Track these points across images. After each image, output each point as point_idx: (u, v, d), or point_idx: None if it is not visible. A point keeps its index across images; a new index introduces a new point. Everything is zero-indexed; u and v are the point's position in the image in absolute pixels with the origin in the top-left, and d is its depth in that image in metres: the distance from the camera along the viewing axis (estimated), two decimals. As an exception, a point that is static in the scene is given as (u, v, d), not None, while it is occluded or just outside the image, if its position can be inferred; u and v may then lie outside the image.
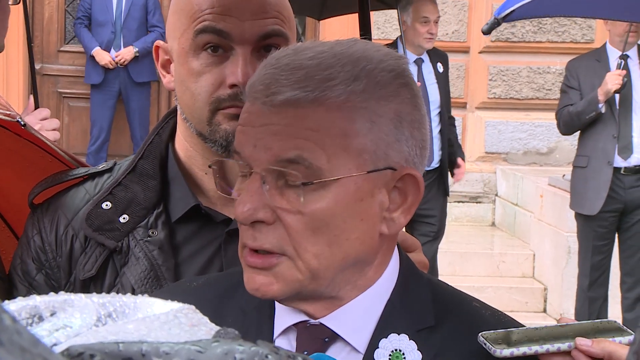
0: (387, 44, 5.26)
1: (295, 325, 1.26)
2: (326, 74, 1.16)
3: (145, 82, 8.58)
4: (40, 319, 0.54)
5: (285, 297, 1.21)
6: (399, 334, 1.23)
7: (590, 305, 5.89)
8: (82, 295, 0.56)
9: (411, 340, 1.23)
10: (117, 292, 1.64)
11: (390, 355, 1.22)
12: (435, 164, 6.12)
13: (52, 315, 0.54)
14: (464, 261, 6.39)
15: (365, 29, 2.42)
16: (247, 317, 1.30)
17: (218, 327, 0.53)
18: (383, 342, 1.23)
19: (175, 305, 0.56)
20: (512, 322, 1.33)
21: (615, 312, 6.04)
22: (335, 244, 1.18)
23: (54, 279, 1.69)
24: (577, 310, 6.00)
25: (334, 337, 1.24)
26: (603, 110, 5.67)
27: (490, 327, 1.26)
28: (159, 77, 1.74)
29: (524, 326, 1.30)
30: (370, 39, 2.42)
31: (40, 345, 0.40)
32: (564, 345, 1.23)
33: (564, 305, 6.74)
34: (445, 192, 6.25)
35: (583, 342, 1.22)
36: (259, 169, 1.18)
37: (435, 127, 6.10)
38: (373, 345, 1.23)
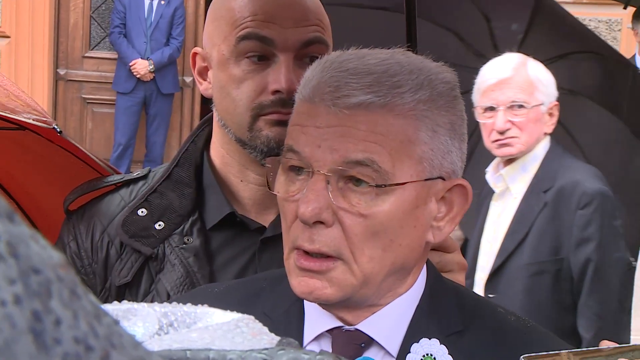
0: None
1: (328, 331, 1.26)
2: (394, 80, 1.19)
3: (171, 93, 8.67)
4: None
5: (337, 301, 1.22)
6: (430, 339, 1.25)
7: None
8: (145, 304, 0.56)
9: (442, 345, 1.24)
10: (152, 299, 1.65)
11: (422, 359, 1.24)
12: None
13: (115, 323, 0.54)
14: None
15: (410, 37, 2.30)
16: (273, 323, 1.30)
17: (278, 337, 0.53)
18: (415, 347, 1.24)
19: (235, 315, 0.56)
20: (536, 328, 1.35)
21: (636, 325, 5.96)
22: (389, 249, 1.20)
23: (89, 285, 1.70)
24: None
25: (369, 342, 1.25)
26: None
27: (517, 332, 1.29)
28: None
29: (550, 333, 1.31)
30: (415, 48, 2.33)
31: (140, 347, 0.40)
32: None
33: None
34: None
35: None
36: (323, 169, 1.19)
37: None
38: (405, 349, 1.24)
